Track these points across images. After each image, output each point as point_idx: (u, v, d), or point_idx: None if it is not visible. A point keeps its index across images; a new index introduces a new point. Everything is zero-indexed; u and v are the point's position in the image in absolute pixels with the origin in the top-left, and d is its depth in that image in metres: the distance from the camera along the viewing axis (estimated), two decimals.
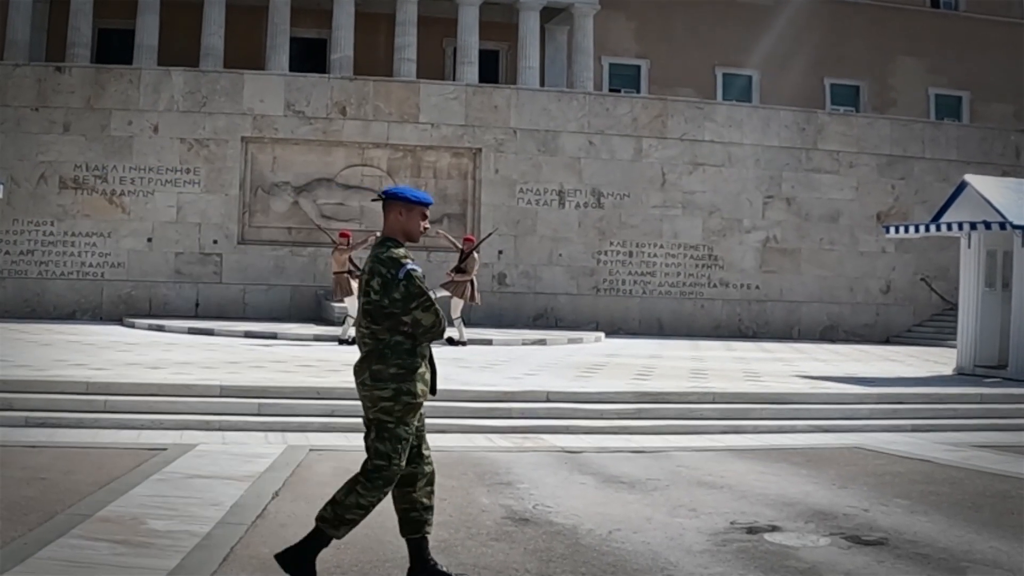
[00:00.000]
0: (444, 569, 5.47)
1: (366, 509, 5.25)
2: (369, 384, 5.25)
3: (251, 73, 26.21)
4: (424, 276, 5.29)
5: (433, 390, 5.39)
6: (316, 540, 5.32)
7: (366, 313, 5.27)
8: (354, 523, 5.29)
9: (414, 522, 5.43)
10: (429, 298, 5.22)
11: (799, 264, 27.80)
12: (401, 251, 5.30)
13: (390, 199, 5.44)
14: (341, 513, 5.24)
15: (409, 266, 5.22)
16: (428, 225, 5.50)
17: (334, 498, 5.29)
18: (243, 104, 25.11)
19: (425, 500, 5.45)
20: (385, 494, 5.27)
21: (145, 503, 6.98)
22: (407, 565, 5.45)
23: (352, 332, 19.02)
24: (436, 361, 5.46)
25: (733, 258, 27.37)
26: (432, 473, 5.49)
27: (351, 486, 5.24)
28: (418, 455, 5.43)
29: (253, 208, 25.40)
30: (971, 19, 38.76)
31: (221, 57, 30.51)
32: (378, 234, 5.52)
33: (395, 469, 5.23)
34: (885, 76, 37.92)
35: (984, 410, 13.60)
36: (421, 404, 5.31)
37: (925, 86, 38.26)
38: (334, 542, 5.34)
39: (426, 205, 5.45)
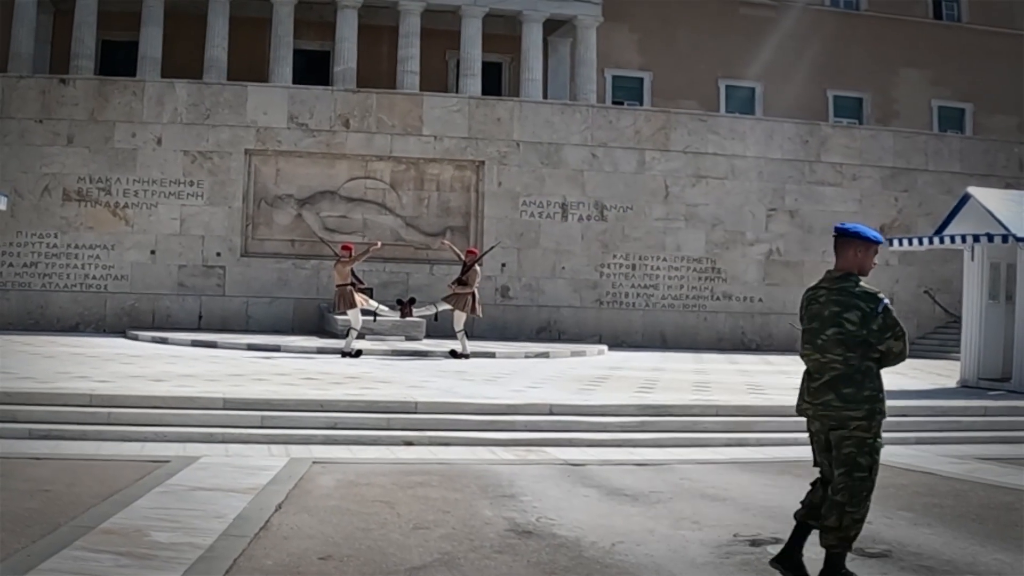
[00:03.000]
0: None
1: (863, 519, 5.74)
2: (837, 405, 5.74)
3: (254, 85, 26.22)
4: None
5: None
6: (837, 562, 5.75)
7: (839, 343, 5.76)
8: (859, 532, 5.76)
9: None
10: (901, 328, 5.74)
11: (802, 277, 27.66)
12: (870, 286, 5.78)
13: (849, 237, 5.89)
14: (846, 535, 5.71)
15: (885, 301, 5.74)
16: (877, 262, 5.95)
17: (829, 526, 5.73)
18: (246, 116, 25.14)
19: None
20: (870, 501, 5.74)
21: (148, 515, 6.98)
22: None
23: (356, 345, 19.11)
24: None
25: (736, 271, 27.34)
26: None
27: (839, 510, 5.67)
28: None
29: (256, 221, 25.41)
30: (974, 30, 38.68)
31: (225, 69, 30.57)
32: (831, 270, 5.98)
33: (873, 479, 5.75)
34: (888, 88, 37.86)
35: (988, 423, 13.58)
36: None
37: (928, 98, 38.18)
38: (333, 557, 5.33)
39: (879, 244, 5.92)
